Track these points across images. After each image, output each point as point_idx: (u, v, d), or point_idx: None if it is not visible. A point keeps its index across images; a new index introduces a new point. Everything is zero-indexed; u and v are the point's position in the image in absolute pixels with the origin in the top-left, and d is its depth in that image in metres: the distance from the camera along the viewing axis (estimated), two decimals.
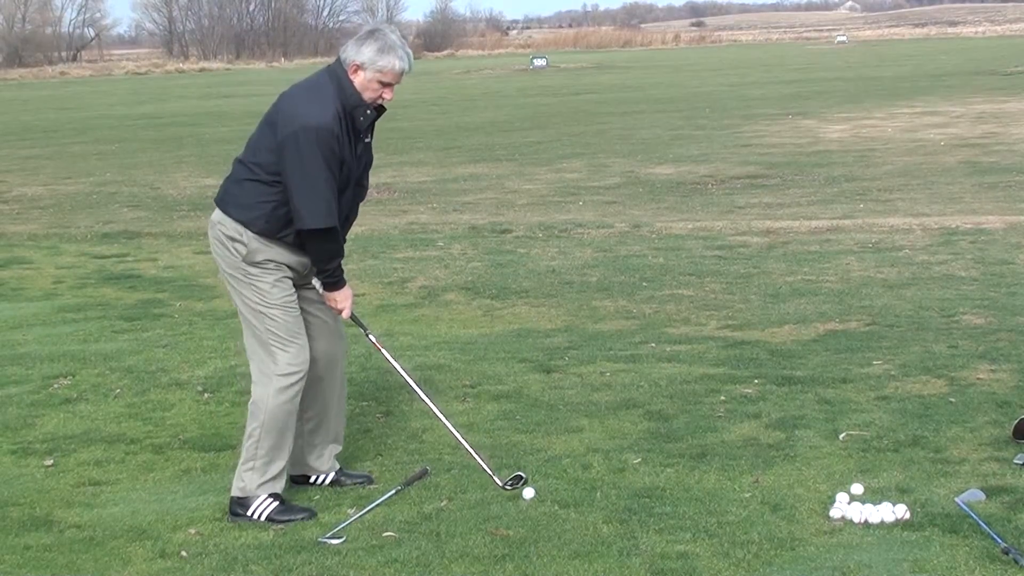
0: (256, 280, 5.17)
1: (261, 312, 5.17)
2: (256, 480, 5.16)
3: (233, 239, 5.16)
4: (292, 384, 5.18)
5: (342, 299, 5.33)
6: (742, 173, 17.12)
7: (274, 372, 5.16)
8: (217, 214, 5.23)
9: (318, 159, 4.99)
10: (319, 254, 5.18)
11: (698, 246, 11.59)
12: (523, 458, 5.73)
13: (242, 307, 5.22)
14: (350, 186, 5.21)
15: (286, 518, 5.10)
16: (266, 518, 5.11)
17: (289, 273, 5.23)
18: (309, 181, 5.01)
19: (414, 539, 4.82)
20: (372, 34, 5.14)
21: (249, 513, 5.12)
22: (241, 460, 5.22)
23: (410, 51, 5.18)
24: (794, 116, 26.06)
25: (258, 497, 5.14)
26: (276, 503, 5.15)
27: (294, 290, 5.25)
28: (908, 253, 10.86)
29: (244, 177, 5.17)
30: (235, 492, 5.19)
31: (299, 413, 5.45)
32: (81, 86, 60.87)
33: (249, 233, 5.14)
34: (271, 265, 5.17)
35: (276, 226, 5.13)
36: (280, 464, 5.21)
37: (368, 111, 5.14)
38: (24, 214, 15.86)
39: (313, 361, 5.30)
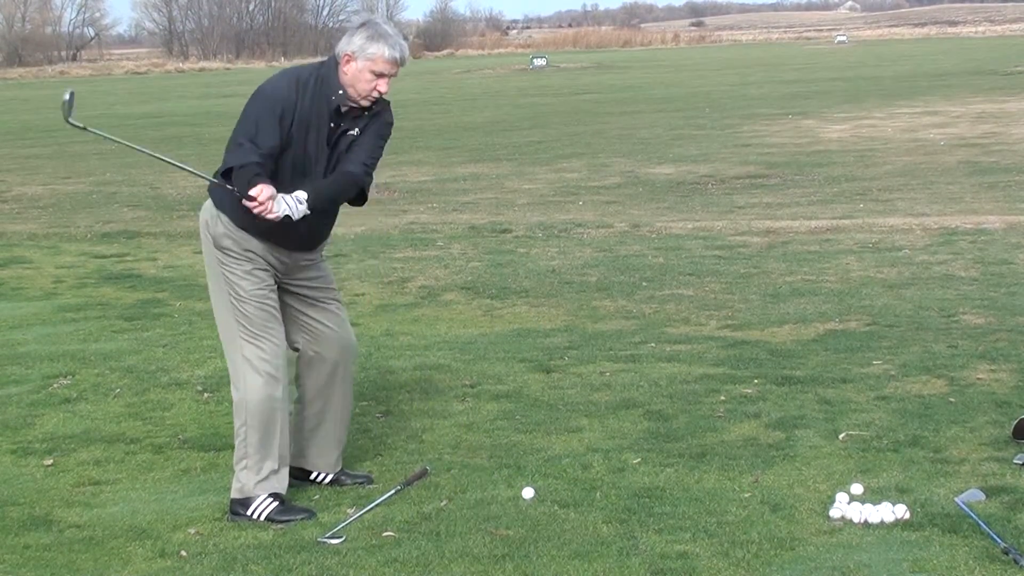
0: (227, 269, 5.13)
1: (232, 304, 5.12)
2: (253, 479, 5.14)
3: (207, 223, 5.18)
4: (267, 382, 5.12)
5: (260, 197, 4.94)
6: (742, 173, 17.12)
7: (247, 368, 5.12)
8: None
9: (252, 113, 5.02)
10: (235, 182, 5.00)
11: (698, 246, 11.59)
12: (523, 458, 5.73)
13: (214, 298, 5.20)
14: (313, 166, 5.10)
15: (286, 518, 5.10)
16: (265, 518, 5.10)
17: (263, 264, 5.16)
18: (237, 128, 5.04)
19: (414, 539, 4.82)
20: (364, 24, 5.15)
21: (249, 513, 5.11)
22: (234, 460, 5.21)
23: (404, 43, 5.16)
24: (794, 116, 26.06)
25: (258, 497, 5.13)
26: (276, 503, 5.14)
27: (269, 283, 5.17)
28: (908, 253, 10.86)
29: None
30: (234, 493, 5.18)
31: (300, 411, 5.46)
32: (81, 85, 60.82)
33: (223, 216, 5.13)
34: (240, 253, 5.11)
35: (243, 212, 5.06)
36: (273, 463, 5.17)
37: (341, 96, 5.08)
38: (24, 214, 15.86)
39: (319, 364, 5.30)
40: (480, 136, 24.60)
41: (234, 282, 5.13)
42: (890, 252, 10.93)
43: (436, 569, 4.55)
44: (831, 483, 5.26)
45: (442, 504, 5.18)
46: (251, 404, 5.13)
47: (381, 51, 5.05)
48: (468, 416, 6.43)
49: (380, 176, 17.65)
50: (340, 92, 5.08)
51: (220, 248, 5.14)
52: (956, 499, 4.98)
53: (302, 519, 5.10)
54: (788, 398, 6.55)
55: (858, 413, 6.24)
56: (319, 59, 5.33)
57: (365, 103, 5.13)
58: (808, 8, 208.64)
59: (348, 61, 5.09)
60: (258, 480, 5.15)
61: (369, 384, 7.10)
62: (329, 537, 4.87)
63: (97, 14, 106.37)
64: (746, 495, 5.17)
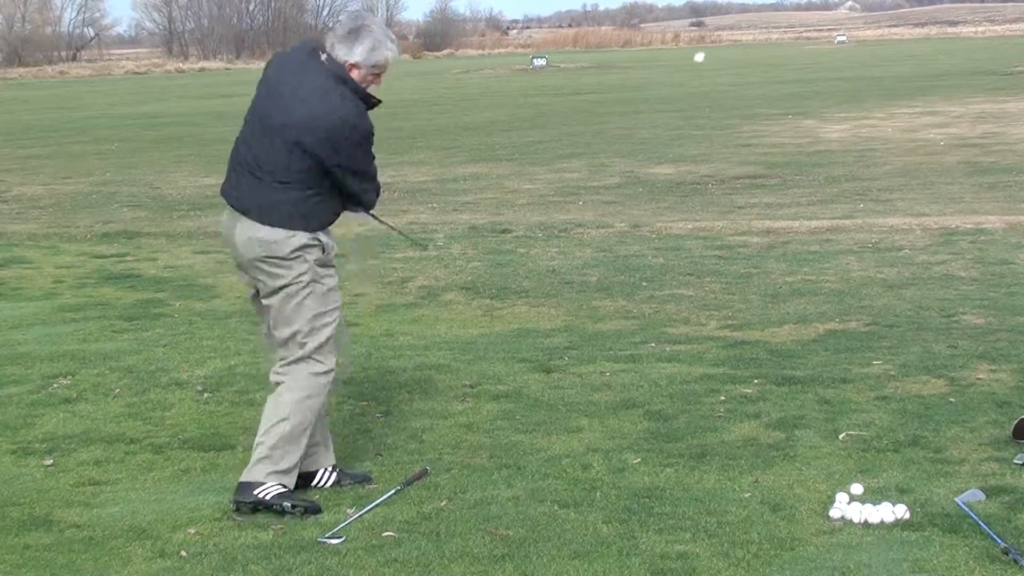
0: (325, 281, 5.26)
1: (323, 315, 5.25)
2: (268, 468, 5.17)
3: (306, 246, 5.21)
4: (327, 384, 5.31)
5: None
6: (742, 173, 17.12)
7: (315, 371, 5.24)
8: (269, 232, 5.19)
9: (368, 150, 5.33)
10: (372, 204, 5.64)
11: (698, 246, 11.59)
12: (523, 458, 5.73)
13: (297, 318, 5.23)
14: None
15: (292, 501, 5.10)
16: (271, 497, 5.09)
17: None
18: (371, 168, 5.45)
19: (414, 539, 4.82)
20: (358, 33, 5.19)
21: (256, 492, 5.10)
22: (254, 444, 5.23)
23: (394, 36, 5.33)
24: (794, 116, 26.06)
25: (267, 483, 5.14)
26: (284, 490, 5.16)
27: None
28: (908, 253, 10.86)
29: (281, 189, 5.20)
30: (245, 476, 5.16)
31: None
32: (81, 86, 60.86)
33: (323, 236, 5.27)
34: (328, 262, 5.32)
35: (328, 221, 5.33)
36: (290, 462, 5.22)
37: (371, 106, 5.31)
38: (24, 214, 15.86)
39: None
40: (480, 136, 24.60)
41: (330, 294, 5.28)
42: (890, 252, 10.93)
43: (436, 569, 4.55)
44: (831, 483, 5.26)
45: (442, 504, 5.18)
46: (308, 405, 5.22)
47: (384, 57, 5.22)
48: (468, 416, 6.43)
49: (380, 176, 17.68)
50: (370, 103, 5.30)
51: (325, 264, 5.29)
52: (956, 499, 4.98)
53: (306, 507, 5.10)
54: (788, 398, 6.55)
55: (858, 413, 6.24)
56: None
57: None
58: (808, 8, 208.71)
59: (352, 69, 5.18)
60: (274, 470, 5.17)
61: (369, 384, 7.10)
62: (329, 537, 4.87)
63: (97, 14, 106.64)
64: (746, 495, 5.17)
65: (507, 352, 7.76)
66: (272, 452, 5.20)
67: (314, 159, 5.14)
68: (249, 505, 5.14)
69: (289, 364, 5.28)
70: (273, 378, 5.34)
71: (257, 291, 5.40)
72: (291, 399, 5.24)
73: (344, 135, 5.13)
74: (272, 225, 5.18)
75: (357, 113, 5.17)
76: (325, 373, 5.28)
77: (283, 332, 5.26)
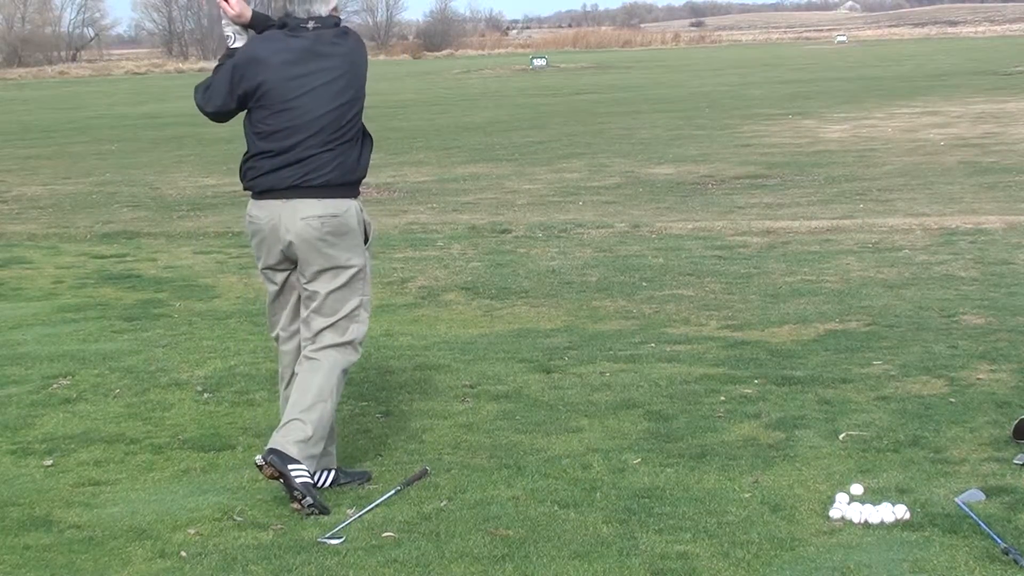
0: (368, 256, 5.41)
1: (368, 291, 5.38)
2: (298, 439, 5.15)
3: (363, 221, 5.33)
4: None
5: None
6: (742, 173, 17.12)
7: (350, 360, 5.34)
8: (332, 204, 5.21)
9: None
10: None
11: (698, 246, 11.59)
12: (523, 458, 5.73)
13: (355, 297, 5.31)
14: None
15: (310, 492, 5.07)
16: (300, 484, 5.05)
17: None
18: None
19: (414, 539, 4.82)
20: None
21: (288, 467, 5.04)
22: (291, 417, 5.20)
23: None
24: (794, 116, 26.06)
25: (300, 464, 5.10)
26: (309, 480, 5.14)
27: None
28: (908, 253, 10.86)
29: (340, 148, 5.25)
30: (276, 444, 5.11)
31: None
32: (81, 86, 60.88)
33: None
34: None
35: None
36: (318, 448, 5.24)
37: None
38: (24, 214, 15.86)
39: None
40: (480, 136, 24.60)
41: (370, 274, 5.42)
42: (890, 252, 10.93)
43: (436, 569, 4.55)
44: (831, 483, 5.26)
45: (442, 504, 5.18)
46: (339, 390, 5.33)
47: None
48: (468, 416, 6.43)
49: (380, 176, 17.73)
50: None
51: (368, 240, 5.38)
52: (956, 499, 4.98)
53: (320, 510, 5.07)
54: (788, 398, 6.55)
55: (858, 413, 6.24)
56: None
57: None
58: (808, 8, 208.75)
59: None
60: (311, 454, 5.15)
61: (369, 384, 7.10)
62: (329, 537, 4.87)
63: (97, 14, 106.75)
64: (746, 495, 5.17)
65: (507, 352, 7.76)
66: (314, 433, 5.16)
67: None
68: (278, 472, 5.06)
69: (326, 348, 5.28)
70: (307, 354, 5.29)
71: (281, 288, 5.39)
72: (333, 382, 5.25)
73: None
74: (334, 195, 5.24)
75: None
76: (352, 364, 5.37)
77: (330, 318, 5.27)
